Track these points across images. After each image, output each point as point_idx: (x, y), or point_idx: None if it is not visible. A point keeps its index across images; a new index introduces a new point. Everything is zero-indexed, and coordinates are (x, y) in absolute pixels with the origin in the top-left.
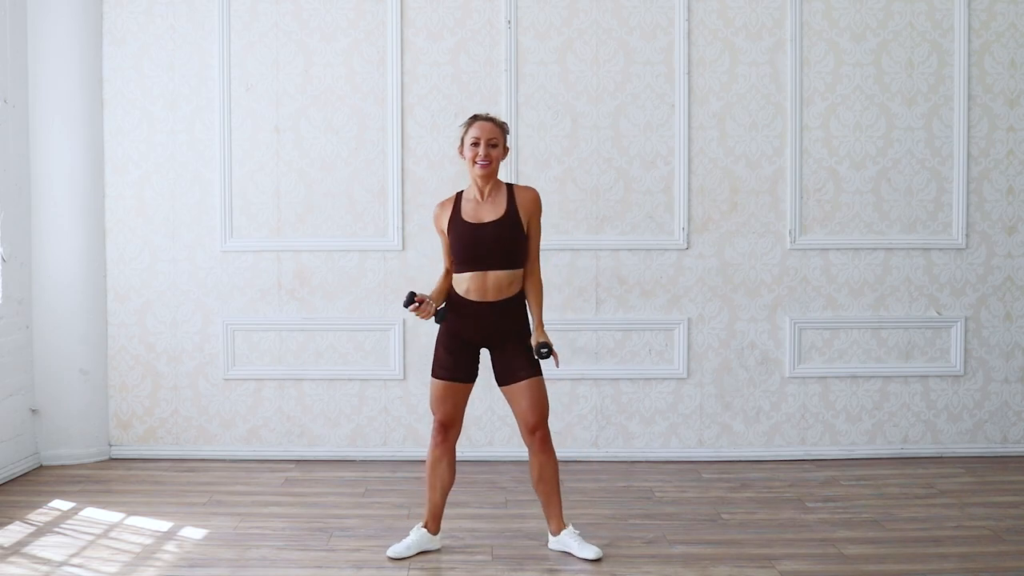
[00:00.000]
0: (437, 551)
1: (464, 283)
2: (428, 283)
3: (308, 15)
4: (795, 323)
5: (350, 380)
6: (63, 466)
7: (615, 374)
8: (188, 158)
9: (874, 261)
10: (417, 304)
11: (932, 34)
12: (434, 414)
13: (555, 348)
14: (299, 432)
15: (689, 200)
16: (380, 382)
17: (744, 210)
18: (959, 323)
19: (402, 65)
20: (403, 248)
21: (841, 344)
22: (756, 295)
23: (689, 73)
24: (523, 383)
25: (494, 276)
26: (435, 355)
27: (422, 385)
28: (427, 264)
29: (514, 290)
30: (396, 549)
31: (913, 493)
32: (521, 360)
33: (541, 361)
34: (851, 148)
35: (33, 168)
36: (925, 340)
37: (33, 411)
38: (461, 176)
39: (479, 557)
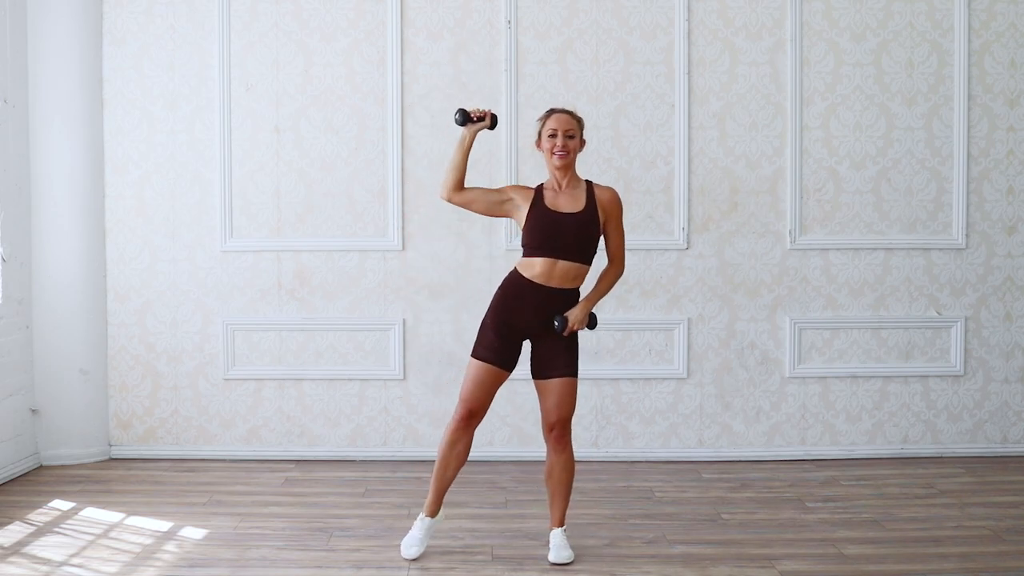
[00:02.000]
0: (439, 541)
1: (534, 267)
2: (428, 283)
3: (308, 15)
4: (795, 323)
5: (350, 380)
6: (63, 466)
7: (615, 374)
8: (188, 158)
9: (874, 261)
10: (473, 118)
11: (932, 34)
12: (462, 398)
13: (575, 324)
14: (299, 432)
15: (689, 200)
16: (380, 382)
17: (744, 210)
18: (959, 323)
19: (402, 65)
20: (403, 248)
21: (841, 344)
22: (756, 295)
23: (689, 73)
24: (554, 380)
25: (563, 265)
26: (480, 337)
27: (422, 385)
28: (427, 264)
29: (576, 283)
30: (411, 550)
31: (913, 493)
32: (560, 358)
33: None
34: (851, 148)
35: (33, 168)
36: (925, 340)
37: (33, 411)
38: None
39: (479, 557)
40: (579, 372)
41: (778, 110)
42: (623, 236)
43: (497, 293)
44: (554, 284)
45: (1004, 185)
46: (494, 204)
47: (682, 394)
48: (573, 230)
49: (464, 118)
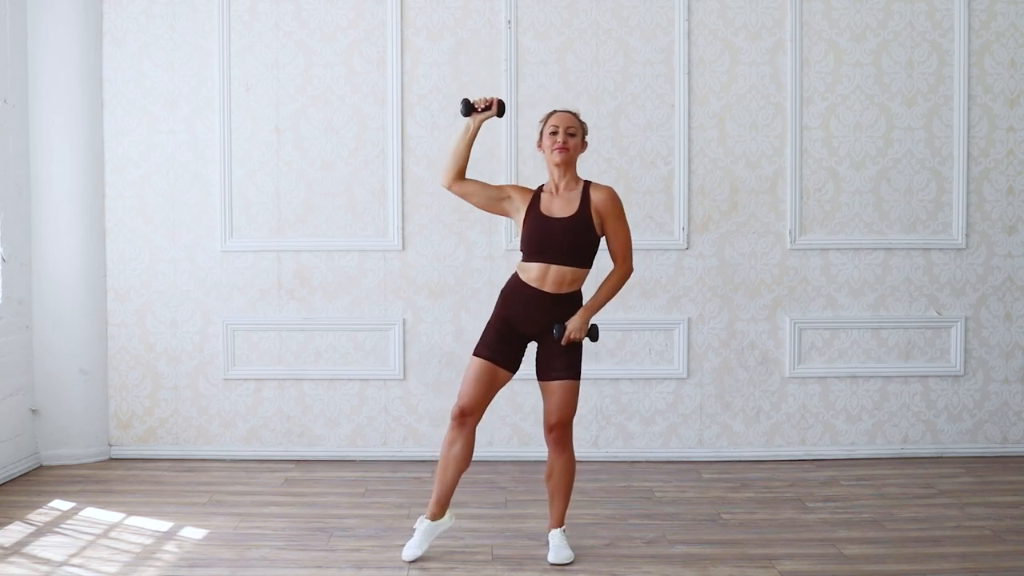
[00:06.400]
0: (446, 537)
1: (529, 271)
2: (428, 283)
3: (308, 15)
4: (795, 323)
5: (350, 380)
6: (63, 466)
7: (615, 374)
8: (188, 158)
9: (874, 261)
10: (479, 108)
11: (932, 34)
12: (458, 396)
13: (573, 333)
14: (299, 432)
15: (689, 200)
16: (380, 382)
17: (744, 210)
18: (959, 323)
19: (402, 65)
20: (403, 248)
21: (841, 344)
22: (756, 295)
23: (689, 73)
24: (555, 383)
25: (556, 270)
26: (483, 336)
27: (422, 385)
28: (427, 264)
29: (574, 287)
30: (410, 551)
31: (913, 493)
32: (561, 360)
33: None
34: (851, 148)
35: (33, 168)
36: (925, 340)
37: (33, 411)
38: None
39: (479, 557)
40: (581, 374)
41: (778, 110)
42: (627, 235)
43: (500, 294)
44: (549, 289)
45: (1004, 185)
46: (492, 200)
47: (682, 394)
48: (564, 236)
49: (468, 109)
